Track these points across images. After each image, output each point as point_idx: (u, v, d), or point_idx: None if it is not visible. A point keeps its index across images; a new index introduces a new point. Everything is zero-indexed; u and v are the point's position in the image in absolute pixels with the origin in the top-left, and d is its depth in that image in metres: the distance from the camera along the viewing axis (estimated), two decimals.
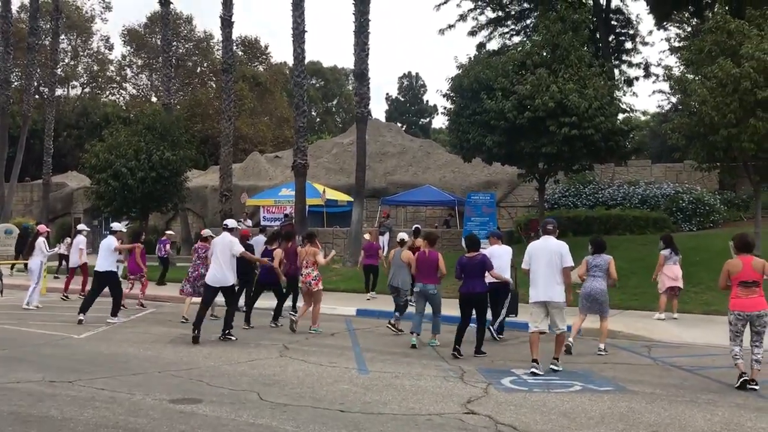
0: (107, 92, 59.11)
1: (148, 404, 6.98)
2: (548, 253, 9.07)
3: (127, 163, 23.69)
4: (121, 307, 14.22)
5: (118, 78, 58.43)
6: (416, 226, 17.51)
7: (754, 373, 8.02)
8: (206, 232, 14.82)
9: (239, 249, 11.59)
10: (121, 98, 58.92)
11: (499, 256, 11.25)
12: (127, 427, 6.15)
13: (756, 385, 7.89)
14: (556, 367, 8.83)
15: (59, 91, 49.55)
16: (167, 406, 6.90)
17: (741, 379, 8.01)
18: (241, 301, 13.57)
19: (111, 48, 61.87)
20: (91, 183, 26.87)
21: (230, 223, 12.27)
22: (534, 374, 8.64)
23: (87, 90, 58.24)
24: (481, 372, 8.83)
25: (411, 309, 12.03)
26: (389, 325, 12.15)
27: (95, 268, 13.33)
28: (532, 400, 7.36)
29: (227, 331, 11.35)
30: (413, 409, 6.93)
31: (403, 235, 13.70)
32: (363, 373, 8.73)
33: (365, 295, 16.93)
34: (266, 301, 13.64)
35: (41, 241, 15.88)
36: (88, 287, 16.58)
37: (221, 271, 11.39)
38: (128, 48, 56.64)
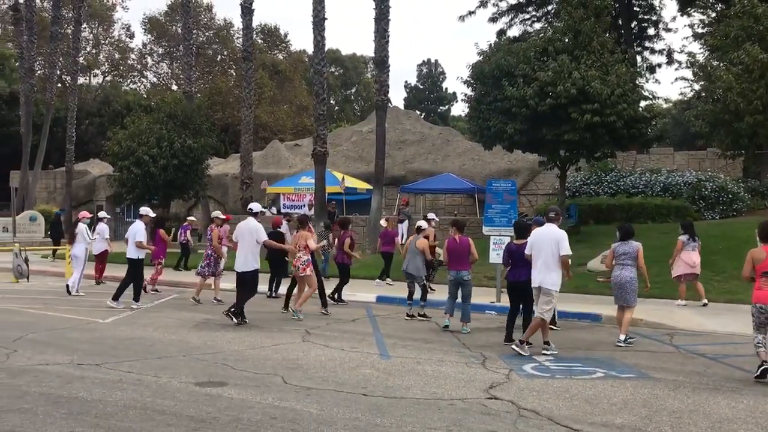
0: (128, 80, 59.58)
1: (174, 387, 7.09)
2: (548, 241, 9.25)
3: (149, 150, 23.88)
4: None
5: (139, 66, 58.81)
6: (431, 215, 15.95)
7: None
8: (215, 213, 14.93)
9: (263, 236, 11.57)
10: (142, 86, 59.40)
11: None
12: (154, 409, 6.25)
13: None
14: (521, 351, 8.94)
15: (81, 80, 49.99)
16: (193, 389, 7.00)
17: (762, 368, 7.72)
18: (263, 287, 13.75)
19: (132, 36, 62.50)
20: (114, 170, 27.14)
21: (255, 207, 12.13)
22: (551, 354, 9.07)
23: (108, 78, 58.77)
24: (502, 358, 8.84)
25: (431, 295, 12.10)
26: (408, 317, 12.17)
27: (127, 255, 13.31)
28: (554, 386, 7.37)
29: (232, 310, 11.14)
30: (435, 393, 6.97)
31: (421, 223, 13.72)
32: (384, 358, 8.78)
33: (380, 282, 17.04)
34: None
35: (83, 228, 15.63)
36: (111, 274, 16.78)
37: (243, 256, 11.41)
38: (149, 36, 57.00)
